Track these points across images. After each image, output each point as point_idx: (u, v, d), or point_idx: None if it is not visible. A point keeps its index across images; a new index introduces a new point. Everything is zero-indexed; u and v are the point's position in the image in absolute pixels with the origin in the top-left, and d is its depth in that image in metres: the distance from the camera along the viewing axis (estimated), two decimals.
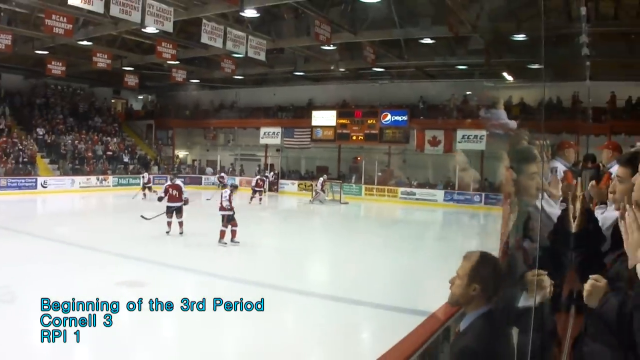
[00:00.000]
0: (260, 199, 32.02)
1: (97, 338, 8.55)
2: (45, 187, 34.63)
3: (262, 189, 32.27)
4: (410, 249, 18.41)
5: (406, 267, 15.65)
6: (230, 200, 17.49)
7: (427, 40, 28.87)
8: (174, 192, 19.28)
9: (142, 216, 19.70)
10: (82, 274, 12.52)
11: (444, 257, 14.85)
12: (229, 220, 17.51)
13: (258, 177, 33.57)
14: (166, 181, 23.13)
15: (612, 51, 25.78)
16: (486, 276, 3.29)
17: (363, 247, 18.79)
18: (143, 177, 34.49)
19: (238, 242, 17.40)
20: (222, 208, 17.56)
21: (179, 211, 19.14)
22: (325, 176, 36.08)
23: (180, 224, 19.06)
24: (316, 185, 35.04)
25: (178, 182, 20.08)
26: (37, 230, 18.75)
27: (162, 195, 19.58)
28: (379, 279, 13.93)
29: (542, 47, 3.21)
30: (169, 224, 19.08)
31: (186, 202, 19.30)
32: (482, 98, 28.90)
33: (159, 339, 8.95)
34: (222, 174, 39.54)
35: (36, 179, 34.67)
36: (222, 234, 17.49)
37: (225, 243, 17.30)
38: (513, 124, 7.06)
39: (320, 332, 9.68)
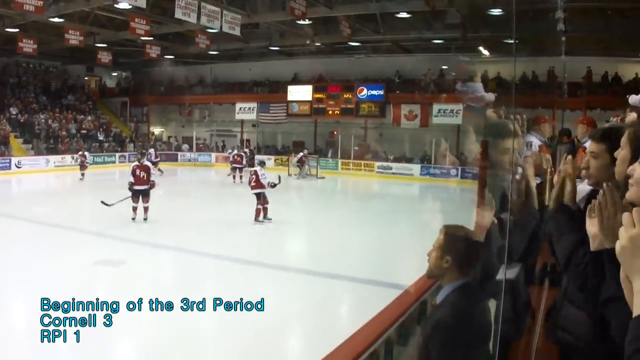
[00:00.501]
0: (241, 176, 30.24)
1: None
2: (20, 167, 34.07)
3: (240, 165, 31.35)
4: (386, 223, 18.49)
5: (383, 241, 15.74)
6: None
7: (404, 15, 28.86)
8: (142, 173, 17.63)
9: (102, 202, 17.90)
10: (61, 255, 12.44)
11: (420, 231, 14.96)
12: (264, 197, 17.80)
13: (235, 152, 33.22)
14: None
15: (589, 27, 25.91)
16: (459, 249, 3.33)
17: (340, 221, 18.85)
18: (149, 154, 33.01)
19: (270, 219, 17.77)
20: (258, 186, 17.73)
21: (145, 194, 17.59)
22: (305, 151, 35.99)
23: (146, 209, 17.58)
24: (295, 159, 34.88)
25: (146, 162, 18.43)
26: (13, 211, 18.54)
27: (132, 179, 17.53)
28: (356, 253, 14.00)
29: (513, 21, 3.24)
30: (135, 209, 17.55)
31: (152, 185, 17.77)
32: (460, 71, 28.97)
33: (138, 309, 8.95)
34: (241, 153, 33.57)
35: (10, 159, 34.05)
36: (258, 212, 17.78)
37: (262, 221, 17.63)
38: (490, 96, 7.10)
39: (298, 306, 9.74)
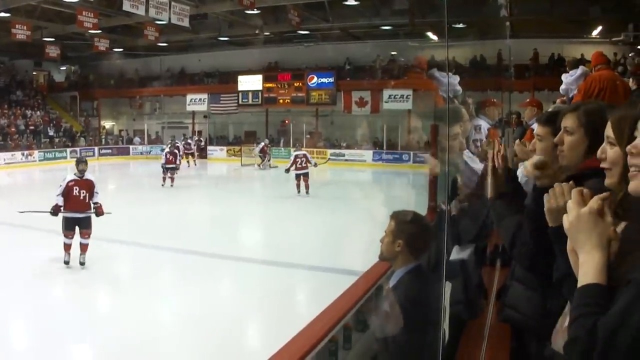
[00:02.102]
0: (172, 179, 25.86)
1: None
2: None
3: (174, 165, 29.58)
4: (341, 210, 18.55)
5: (338, 228, 15.81)
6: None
7: (351, 2, 28.93)
8: (81, 192, 11.73)
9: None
10: (16, 252, 12.25)
11: (375, 217, 15.04)
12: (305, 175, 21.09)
13: (183, 142, 33.09)
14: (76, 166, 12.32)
15: (535, 9, 26.28)
16: (410, 232, 3.41)
17: (294, 210, 18.90)
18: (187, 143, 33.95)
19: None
20: (300, 168, 21.02)
21: (85, 225, 11.76)
22: (266, 140, 35.73)
23: (84, 247, 11.65)
24: (257, 149, 34.62)
25: (89, 176, 12.09)
26: None
27: (60, 196, 11.60)
28: (312, 241, 14.05)
29: (444, 7, 3.31)
30: (67, 247, 11.59)
31: (98, 211, 11.98)
32: (422, 62, 29.04)
33: (97, 308, 8.91)
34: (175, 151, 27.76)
35: None
36: (298, 186, 21.12)
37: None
38: (456, 81, 7.19)
39: (257, 296, 9.76)
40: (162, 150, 28.25)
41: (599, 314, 1.47)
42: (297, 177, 21.14)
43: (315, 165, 22.06)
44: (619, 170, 1.80)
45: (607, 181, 1.87)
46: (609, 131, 1.84)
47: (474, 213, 4.05)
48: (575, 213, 1.62)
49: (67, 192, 11.58)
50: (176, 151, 26.67)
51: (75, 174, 11.87)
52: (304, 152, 22.03)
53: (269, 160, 34.04)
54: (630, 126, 1.73)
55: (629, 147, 1.60)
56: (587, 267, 1.58)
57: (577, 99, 6.92)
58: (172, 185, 24.34)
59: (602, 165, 1.87)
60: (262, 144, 34.66)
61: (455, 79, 6.50)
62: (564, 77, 8.01)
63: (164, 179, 25.03)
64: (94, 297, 9.59)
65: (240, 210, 18.23)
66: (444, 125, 4.82)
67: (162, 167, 25.17)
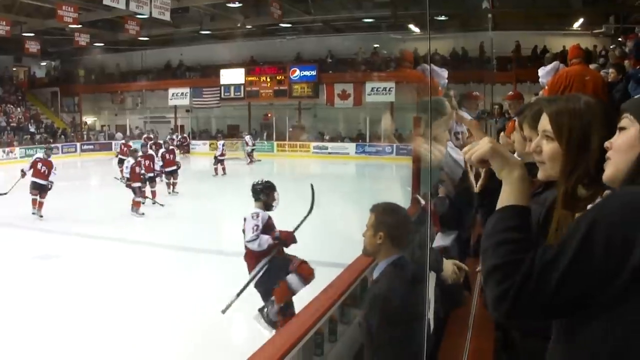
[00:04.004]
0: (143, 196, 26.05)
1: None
2: None
3: (152, 174, 28.27)
4: (324, 203, 18.45)
5: (322, 221, 15.75)
6: None
7: None
8: (43, 168, 16.52)
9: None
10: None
11: (358, 210, 15.05)
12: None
13: (168, 137, 32.99)
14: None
15: (517, 1, 26.43)
16: (391, 224, 3.42)
17: (278, 203, 18.85)
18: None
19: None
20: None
21: (43, 190, 16.36)
22: (250, 135, 35.42)
23: (40, 204, 16.39)
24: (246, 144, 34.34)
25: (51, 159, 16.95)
26: None
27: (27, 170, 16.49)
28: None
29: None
30: (35, 202, 16.39)
31: (50, 186, 16.51)
32: (408, 56, 29.00)
33: (77, 303, 8.87)
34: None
35: None
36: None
37: None
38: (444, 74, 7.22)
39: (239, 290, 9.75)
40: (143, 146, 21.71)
41: (523, 240, 1.45)
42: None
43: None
44: (556, 166, 1.80)
45: (541, 175, 1.88)
46: (546, 125, 1.84)
47: (458, 205, 4.08)
48: (486, 140, 1.64)
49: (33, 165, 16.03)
50: (174, 138, 26.05)
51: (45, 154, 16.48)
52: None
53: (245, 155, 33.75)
54: (570, 120, 1.74)
55: (606, 143, 1.60)
56: (507, 189, 1.58)
57: (545, 93, 6.98)
58: (153, 203, 18.61)
59: (536, 158, 1.88)
60: (248, 137, 34.30)
61: (444, 72, 6.54)
62: (540, 70, 8.06)
63: (169, 185, 21.09)
64: (73, 293, 9.54)
65: (219, 204, 18.15)
66: (427, 117, 4.83)
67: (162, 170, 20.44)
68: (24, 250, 12.22)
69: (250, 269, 7.35)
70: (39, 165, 16.40)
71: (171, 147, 21.20)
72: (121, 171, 19.37)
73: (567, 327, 1.46)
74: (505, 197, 1.56)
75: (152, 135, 31.85)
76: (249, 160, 32.96)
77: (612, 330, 1.33)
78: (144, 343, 7.44)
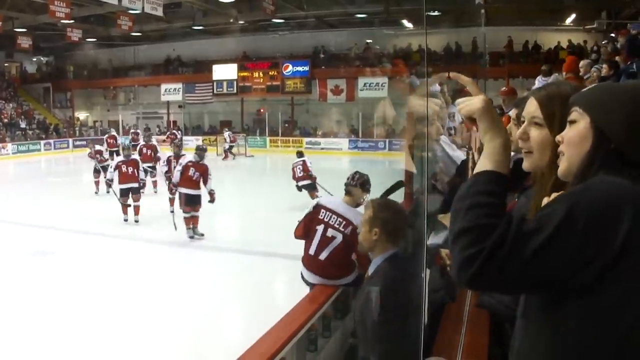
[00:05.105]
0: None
1: None
2: None
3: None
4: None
5: None
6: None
7: None
8: (128, 169, 14.99)
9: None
10: None
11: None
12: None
13: (168, 132, 32.96)
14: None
15: None
16: (386, 220, 3.43)
17: (272, 199, 18.80)
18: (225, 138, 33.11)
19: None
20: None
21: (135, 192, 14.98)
22: (230, 132, 35.26)
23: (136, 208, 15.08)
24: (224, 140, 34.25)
25: (134, 157, 15.70)
26: None
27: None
28: (290, 231, 14.01)
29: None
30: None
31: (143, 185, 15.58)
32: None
33: (72, 300, 8.86)
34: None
35: None
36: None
37: None
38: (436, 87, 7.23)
39: (235, 286, 9.76)
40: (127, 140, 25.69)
41: (498, 206, 1.41)
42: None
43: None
44: (545, 155, 1.78)
45: (527, 165, 1.86)
46: (534, 111, 1.81)
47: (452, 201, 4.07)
48: (480, 97, 1.62)
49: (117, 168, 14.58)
50: (175, 132, 26.23)
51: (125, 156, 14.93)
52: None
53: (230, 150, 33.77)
54: (561, 107, 1.71)
55: (557, 137, 1.59)
56: (487, 154, 1.54)
57: None
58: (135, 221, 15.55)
59: (522, 146, 1.85)
60: (227, 134, 34.25)
61: (436, 87, 6.53)
62: (537, 81, 8.06)
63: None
64: (68, 289, 9.51)
65: (218, 200, 18.11)
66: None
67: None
68: (18, 247, 12.18)
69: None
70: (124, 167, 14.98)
71: (151, 143, 20.12)
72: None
73: (539, 314, 1.45)
74: (484, 162, 1.52)
75: (139, 131, 31.35)
76: (224, 156, 32.95)
77: (586, 318, 1.33)
78: (140, 339, 7.43)
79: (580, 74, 10.35)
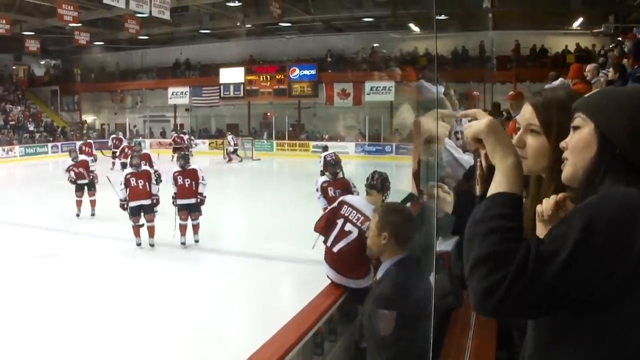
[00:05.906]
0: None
1: None
2: None
3: (181, 145, 29.39)
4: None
5: None
6: None
7: None
8: (139, 182, 12.80)
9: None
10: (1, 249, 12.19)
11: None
12: None
13: (175, 135, 32.86)
14: (75, 150, 15.72)
15: (517, 1, 26.48)
16: (395, 224, 3.42)
17: (277, 202, 18.79)
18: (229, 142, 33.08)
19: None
20: None
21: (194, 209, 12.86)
22: (233, 135, 35.23)
23: (196, 227, 12.98)
24: (227, 144, 34.25)
25: (194, 166, 13.27)
26: None
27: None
28: (296, 234, 14.00)
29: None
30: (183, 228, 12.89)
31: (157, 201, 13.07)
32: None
33: (76, 302, 8.86)
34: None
35: None
36: None
37: None
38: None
39: (241, 290, 9.75)
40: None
41: (516, 230, 1.38)
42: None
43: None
44: (540, 162, 1.76)
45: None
46: (530, 118, 1.79)
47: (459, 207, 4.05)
48: (485, 118, 1.59)
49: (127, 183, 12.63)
50: (182, 135, 27.17)
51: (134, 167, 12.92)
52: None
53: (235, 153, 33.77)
54: (557, 112, 1.69)
55: (562, 143, 1.57)
56: (499, 175, 1.50)
57: None
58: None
59: (519, 154, 1.73)
60: (230, 137, 34.23)
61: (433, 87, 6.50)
62: (545, 87, 8.02)
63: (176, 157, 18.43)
64: (74, 291, 9.52)
65: (221, 203, 18.09)
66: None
67: (173, 148, 18.78)
68: (25, 249, 12.20)
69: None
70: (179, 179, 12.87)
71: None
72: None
73: (556, 328, 1.43)
74: (497, 184, 1.48)
75: (121, 136, 30.29)
76: (228, 159, 32.98)
77: (602, 333, 1.32)
78: (144, 343, 7.42)
79: (588, 78, 10.32)
